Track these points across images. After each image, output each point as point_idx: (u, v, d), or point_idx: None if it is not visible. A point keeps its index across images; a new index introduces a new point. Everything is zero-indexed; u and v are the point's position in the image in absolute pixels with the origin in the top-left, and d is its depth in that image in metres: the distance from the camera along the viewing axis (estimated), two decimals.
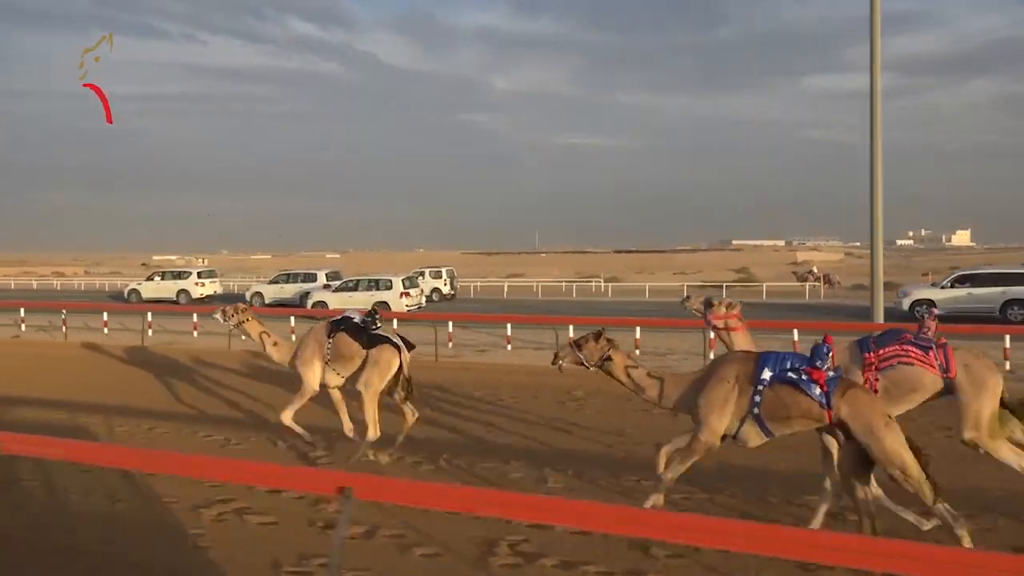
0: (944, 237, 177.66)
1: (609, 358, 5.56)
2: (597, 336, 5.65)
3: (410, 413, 7.88)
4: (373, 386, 7.58)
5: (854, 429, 4.84)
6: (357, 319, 7.99)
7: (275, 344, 8.38)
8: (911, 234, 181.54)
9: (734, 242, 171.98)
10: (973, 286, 23.66)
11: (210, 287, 34.88)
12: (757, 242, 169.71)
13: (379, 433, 7.61)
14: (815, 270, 49.03)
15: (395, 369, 7.68)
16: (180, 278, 34.77)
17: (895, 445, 4.70)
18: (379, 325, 8.01)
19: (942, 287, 24.42)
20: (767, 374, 5.10)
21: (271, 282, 33.32)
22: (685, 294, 7.28)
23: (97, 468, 6.57)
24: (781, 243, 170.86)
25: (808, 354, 5.17)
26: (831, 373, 5.05)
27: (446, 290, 36.64)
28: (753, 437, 5.19)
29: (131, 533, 5.85)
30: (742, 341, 6.63)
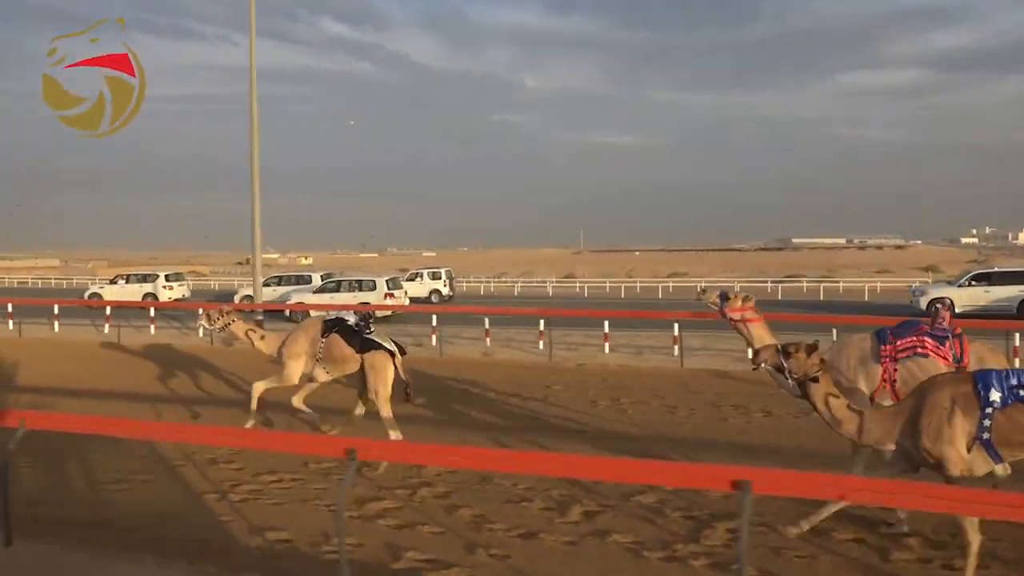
0: (1011, 235, 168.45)
1: (815, 379, 4.77)
2: (810, 350, 4.85)
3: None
4: (382, 393, 7.38)
5: None
6: (351, 321, 7.70)
7: (262, 338, 8.25)
8: (974, 232, 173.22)
9: (793, 240, 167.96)
10: (990, 284, 22.63)
11: (178, 291, 32.14)
12: (816, 240, 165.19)
13: (399, 435, 7.26)
14: None
15: (392, 373, 7.49)
16: (147, 281, 32.05)
17: None
18: (372, 329, 7.74)
19: (959, 286, 23.18)
20: (996, 395, 4.41)
21: (263, 285, 30.36)
22: (701, 288, 6.84)
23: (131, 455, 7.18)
24: (841, 240, 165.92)
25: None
26: None
27: (445, 291, 34.34)
28: (980, 465, 4.49)
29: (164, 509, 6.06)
30: (760, 332, 6.29)
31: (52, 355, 15.39)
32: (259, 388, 8.09)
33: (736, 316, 6.37)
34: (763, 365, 5.17)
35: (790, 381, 4.97)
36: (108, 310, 20.74)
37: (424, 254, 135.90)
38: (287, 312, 22.73)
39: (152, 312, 20.57)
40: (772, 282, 46.39)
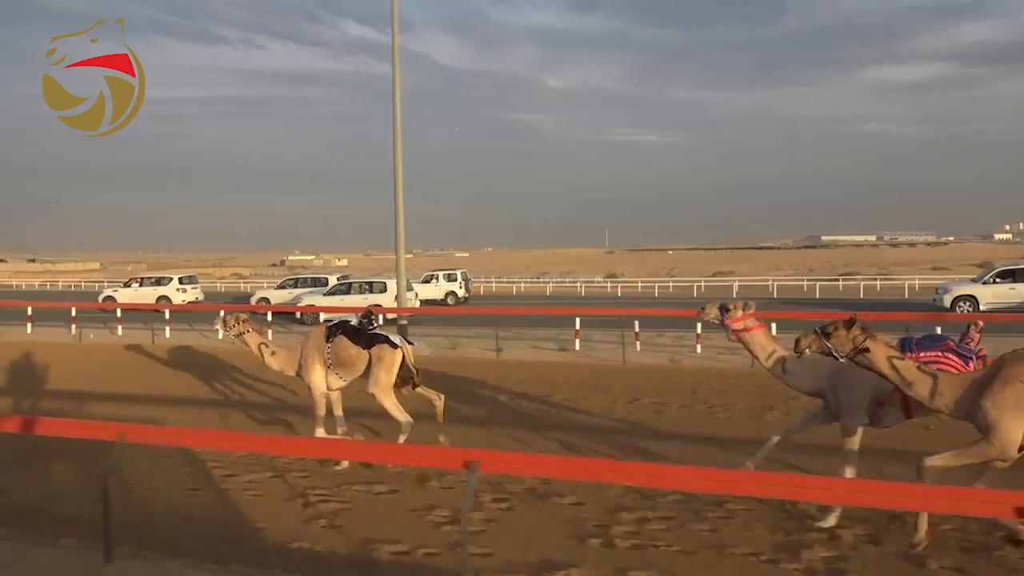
0: None
1: (865, 349, 4.71)
2: (849, 324, 4.80)
3: (435, 397, 7.69)
4: (381, 383, 7.31)
5: None
6: (354, 321, 7.68)
7: (273, 354, 8.10)
8: (1008, 228, 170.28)
9: (822, 237, 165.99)
10: (1015, 281, 22.20)
11: (191, 293, 31.61)
12: (846, 237, 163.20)
13: (407, 417, 7.37)
14: None
15: (399, 364, 7.42)
16: (160, 284, 31.79)
17: None
18: (375, 326, 7.68)
19: (984, 283, 22.80)
20: None
21: (279, 287, 31.32)
22: (701, 308, 6.69)
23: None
24: (872, 238, 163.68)
25: None
26: None
27: (461, 293, 34.27)
28: None
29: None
30: (763, 340, 6.18)
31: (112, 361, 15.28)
32: (319, 432, 7.74)
33: (738, 326, 6.21)
34: (807, 352, 5.08)
35: (842, 359, 4.86)
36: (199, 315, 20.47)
37: (457, 255, 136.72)
38: (298, 314, 22.77)
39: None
40: (843, 281, 45.58)
